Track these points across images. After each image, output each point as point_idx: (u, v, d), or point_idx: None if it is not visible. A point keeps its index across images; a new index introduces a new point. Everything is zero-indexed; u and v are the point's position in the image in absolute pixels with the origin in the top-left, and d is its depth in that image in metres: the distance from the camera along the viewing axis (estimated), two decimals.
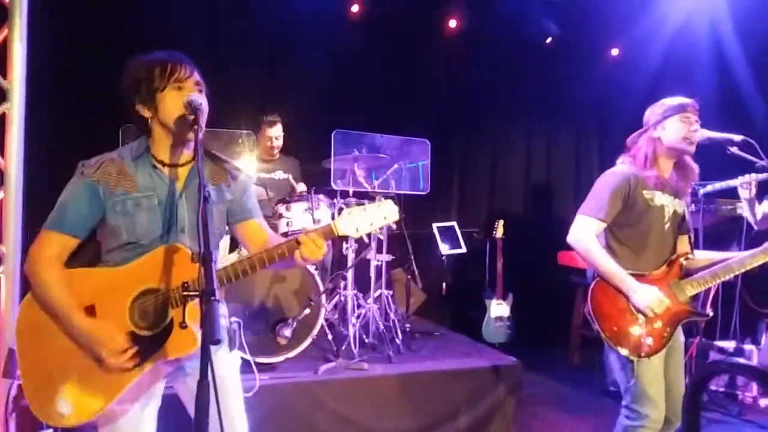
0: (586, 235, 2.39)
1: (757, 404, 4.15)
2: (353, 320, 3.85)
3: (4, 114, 2.31)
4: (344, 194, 4.19)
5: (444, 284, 5.61)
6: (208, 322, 1.19)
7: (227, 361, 1.90)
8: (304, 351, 3.50)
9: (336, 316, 4.11)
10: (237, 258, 3.40)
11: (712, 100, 5.25)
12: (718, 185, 3.56)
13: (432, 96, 5.83)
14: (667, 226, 2.45)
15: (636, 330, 2.31)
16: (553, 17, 5.80)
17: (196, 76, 1.79)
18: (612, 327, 2.32)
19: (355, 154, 4.15)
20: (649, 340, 2.30)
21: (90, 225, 1.73)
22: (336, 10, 5.32)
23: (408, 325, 4.42)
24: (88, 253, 1.77)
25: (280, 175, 4.47)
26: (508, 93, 6.05)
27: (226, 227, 1.95)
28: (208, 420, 1.23)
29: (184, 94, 1.71)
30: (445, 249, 5.01)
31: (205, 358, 1.22)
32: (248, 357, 3.17)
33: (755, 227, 3.38)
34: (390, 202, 1.79)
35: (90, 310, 1.67)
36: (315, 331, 3.53)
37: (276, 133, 4.40)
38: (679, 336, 2.47)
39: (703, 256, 2.53)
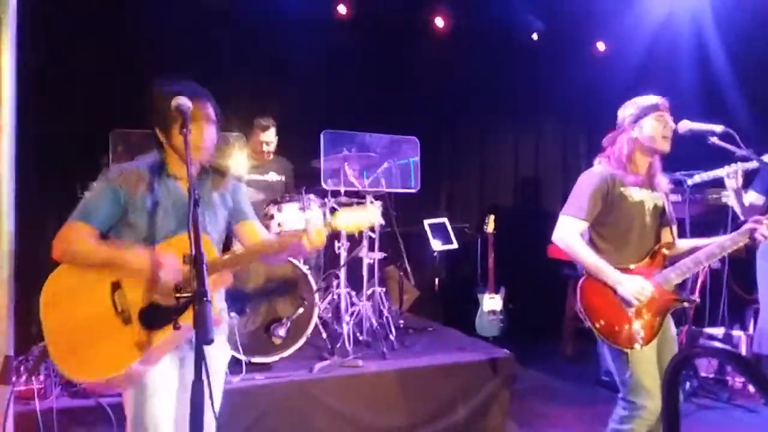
0: (568, 233, 2.45)
1: (746, 389, 4.22)
2: (347, 318, 3.89)
3: None
4: (335, 194, 4.22)
5: (436, 280, 5.65)
6: (200, 322, 1.22)
7: (219, 355, 2.04)
8: (299, 350, 3.53)
9: (330, 315, 4.14)
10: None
11: (694, 92, 5.34)
12: (705, 175, 3.62)
13: (420, 94, 5.85)
14: (648, 220, 2.49)
15: (626, 322, 2.34)
16: (538, 14, 5.85)
17: (208, 110, 1.98)
18: (603, 321, 2.36)
19: (345, 153, 4.18)
20: (641, 331, 2.34)
21: (110, 222, 1.92)
22: (323, 11, 5.35)
23: (401, 322, 4.45)
24: None
25: (273, 176, 4.50)
26: (495, 89, 6.10)
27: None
28: (203, 419, 1.26)
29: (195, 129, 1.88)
30: (436, 245, 5.05)
31: (199, 358, 1.25)
32: (242, 357, 3.22)
33: (741, 216, 3.45)
34: (373, 206, 2.11)
35: (116, 286, 1.83)
36: (309, 330, 3.55)
37: (269, 137, 4.39)
38: (671, 327, 2.51)
39: (686, 244, 2.57)
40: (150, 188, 1.93)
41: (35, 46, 2.79)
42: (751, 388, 4.20)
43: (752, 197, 3.53)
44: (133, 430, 1.86)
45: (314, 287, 3.63)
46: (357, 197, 4.18)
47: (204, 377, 1.23)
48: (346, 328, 3.80)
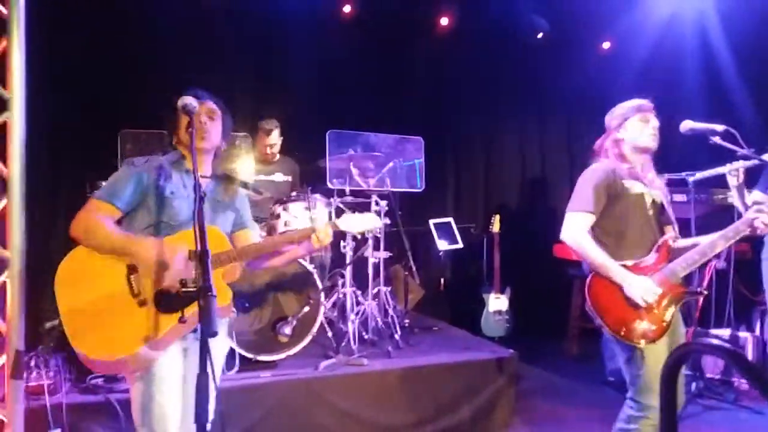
0: (577, 231, 2.45)
1: (752, 390, 4.19)
2: (352, 317, 3.91)
3: (5, 123, 2.37)
4: (341, 193, 4.24)
5: (442, 280, 5.67)
6: (206, 316, 1.25)
7: (217, 346, 2.11)
8: (305, 348, 3.55)
9: (335, 314, 4.17)
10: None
11: (699, 91, 5.33)
12: (707, 173, 3.62)
13: (425, 94, 5.88)
14: (650, 213, 2.50)
15: (637, 318, 2.34)
16: (543, 13, 5.85)
17: (209, 105, 2.13)
18: (614, 319, 2.35)
19: (351, 153, 4.21)
20: (652, 326, 2.33)
21: (132, 204, 2.03)
22: (328, 10, 5.38)
23: (407, 321, 4.47)
24: None
25: (279, 177, 4.54)
26: (500, 89, 6.11)
27: None
28: (208, 411, 1.28)
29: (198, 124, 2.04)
30: (442, 245, 5.06)
31: (204, 352, 1.28)
32: (248, 355, 3.26)
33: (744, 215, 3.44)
34: (375, 216, 2.32)
35: (133, 269, 1.91)
36: (315, 329, 3.58)
37: (273, 140, 4.43)
38: (680, 325, 2.51)
39: (688, 242, 2.58)
40: (169, 178, 2.06)
41: (44, 47, 2.83)
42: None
43: (756, 196, 3.52)
44: (141, 417, 1.91)
45: (320, 286, 3.66)
46: (362, 197, 4.20)
47: (209, 370, 1.26)
48: (352, 326, 3.82)
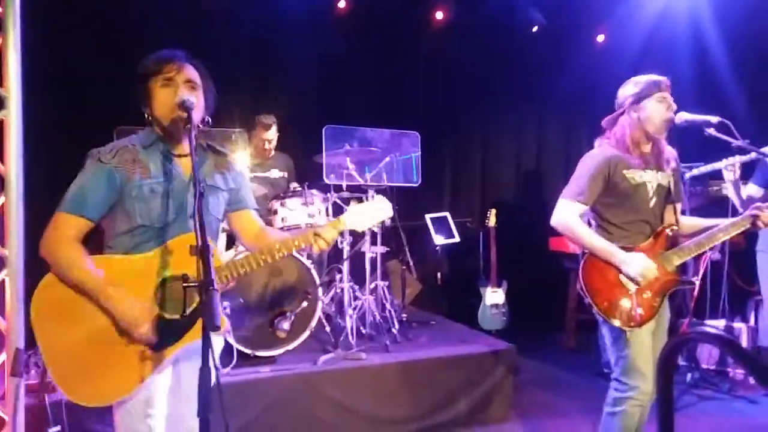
0: (567, 215, 2.44)
1: (747, 380, 4.24)
2: (350, 312, 3.93)
3: (2, 121, 2.37)
4: (337, 188, 4.25)
5: (439, 274, 5.69)
6: (208, 310, 1.26)
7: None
8: (303, 343, 3.57)
9: (333, 309, 4.18)
10: (234, 254, 3.47)
11: (692, 82, 5.36)
12: (704, 168, 3.65)
13: (421, 88, 5.89)
14: (653, 202, 2.48)
15: (627, 301, 2.36)
16: (538, 7, 5.86)
17: (188, 73, 1.83)
18: (604, 300, 2.36)
19: (347, 148, 4.22)
20: (640, 310, 2.35)
21: (105, 210, 1.77)
22: (323, 5, 5.37)
23: (404, 315, 4.49)
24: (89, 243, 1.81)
25: (275, 173, 4.54)
26: (496, 83, 6.12)
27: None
28: (211, 404, 1.29)
29: (173, 91, 1.78)
30: (439, 239, 5.08)
31: (206, 345, 1.29)
32: (234, 344, 3.26)
33: (740, 208, 3.48)
34: (383, 197, 2.01)
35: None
36: (313, 324, 3.60)
37: (271, 135, 4.44)
38: (666, 311, 2.52)
39: (688, 222, 2.59)
40: (146, 170, 1.78)
41: (40, 45, 2.82)
42: (752, 379, 4.23)
43: (751, 189, 3.56)
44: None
45: (318, 281, 3.67)
46: (359, 192, 4.21)
47: (211, 363, 1.27)
48: (350, 321, 3.84)
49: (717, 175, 3.72)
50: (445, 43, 5.90)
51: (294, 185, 4.27)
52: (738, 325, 4.50)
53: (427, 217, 5.11)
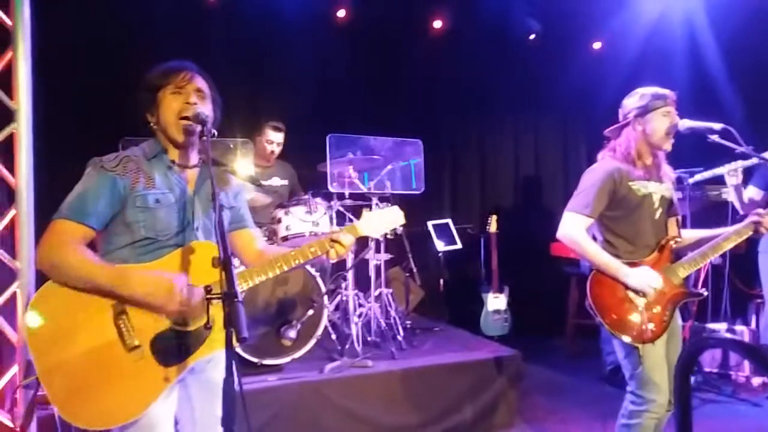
0: (573, 229, 2.42)
1: (749, 383, 4.27)
2: (355, 319, 3.94)
3: (12, 134, 2.38)
4: (341, 197, 4.27)
5: (441, 280, 5.70)
6: (233, 322, 1.27)
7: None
8: (309, 351, 3.58)
9: (338, 316, 4.19)
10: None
11: (688, 89, 5.41)
12: (707, 174, 3.69)
13: (420, 95, 5.92)
14: (658, 213, 2.48)
15: (637, 317, 2.33)
16: (535, 14, 5.92)
17: (198, 83, 1.83)
18: (613, 317, 2.34)
19: (350, 156, 4.23)
20: (651, 326, 2.33)
21: (107, 220, 1.69)
22: (323, 15, 5.41)
23: (409, 322, 4.50)
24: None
25: (277, 181, 4.55)
26: (494, 90, 6.16)
27: None
28: (236, 414, 1.30)
29: (182, 100, 1.78)
30: (440, 246, 5.10)
31: (230, 357, 1.30)
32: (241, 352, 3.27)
33: (741, 211, 3.51)
34: (396, 208, 2.03)
35: (120, 312, 1.62)
36: (319, 332, 3.60)
37: (279, 138, 4.44)
38: (677, 319, 2.52)
39: (690, 235, 2.59)
40: (151, 180, 1.73)
41: (47, 57, 2.84)
42: (755, 382, 4.26)
43: (751, 192, 3.60)
44: None
45: (323, 289, 3.69)
46: (362, 200, 4.23)
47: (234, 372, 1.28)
48: (355, 329, 3.85)
49: (716, 180, 3.75)
50: (443, 51, 5.94)
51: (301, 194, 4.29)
52: (739, 327, 4.52)
53: (430, 223, 5.13)
